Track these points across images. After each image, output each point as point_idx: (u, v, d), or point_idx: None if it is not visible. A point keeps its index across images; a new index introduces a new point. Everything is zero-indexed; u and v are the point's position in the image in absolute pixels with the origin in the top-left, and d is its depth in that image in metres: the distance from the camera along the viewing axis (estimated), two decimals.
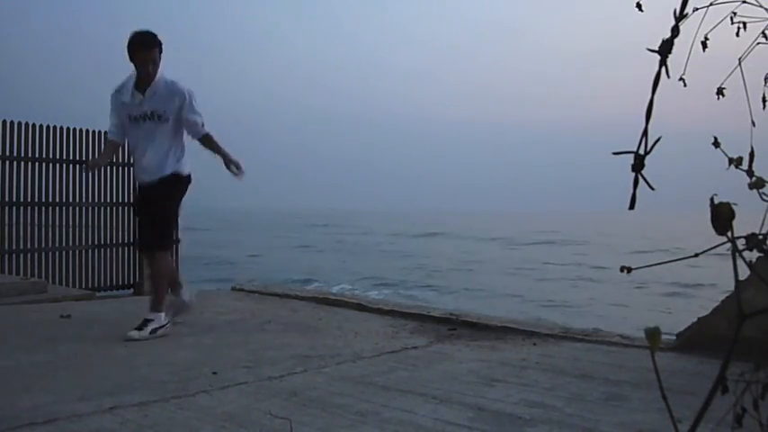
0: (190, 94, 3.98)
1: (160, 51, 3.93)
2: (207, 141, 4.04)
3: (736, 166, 0.90)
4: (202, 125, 4.01)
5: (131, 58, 3.89)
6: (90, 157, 8.10)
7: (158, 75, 3.93)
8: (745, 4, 1.19)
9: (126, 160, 8.47)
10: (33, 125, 7.63)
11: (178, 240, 8.99)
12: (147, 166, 4.01)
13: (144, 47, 3.87)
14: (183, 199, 4.16)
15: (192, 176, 4.17)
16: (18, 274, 7.24)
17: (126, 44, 3.90)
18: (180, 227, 9.13)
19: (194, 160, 4.18)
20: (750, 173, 0.88)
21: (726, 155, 0.92)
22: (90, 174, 4.46)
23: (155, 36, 3.91)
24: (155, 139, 3.95)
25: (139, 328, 3.78)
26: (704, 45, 1.26)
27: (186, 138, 4.08)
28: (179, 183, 4.06)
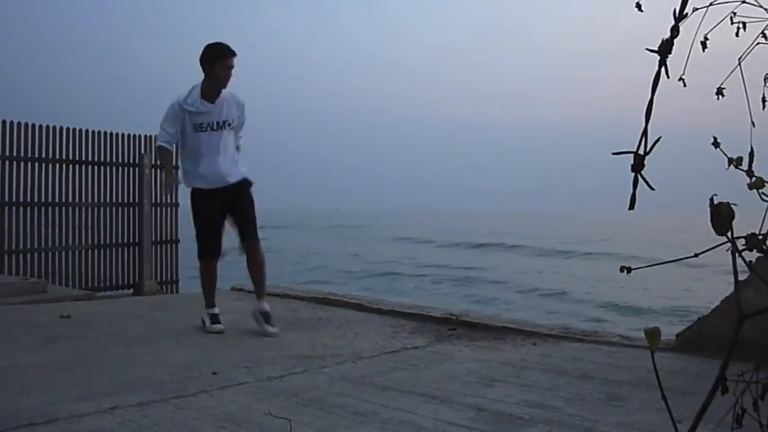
0: (244, 105, 4.27)
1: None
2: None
3: (736, 166, 0.90)
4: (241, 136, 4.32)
5: (214, 64, 4.05)
6: (89, 158, 8.12)
7: None
8: (745, 4, 1.19)
9: (127, 160, 8.48)
10: (33, 125, 7.63)
11: (178, 240, 9.01)
12: (217, 173, 4.10)
13: (232, 53, 4.09)
14: None
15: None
16: (18, 274, 7.24)
17: (210, 50, 4.08)
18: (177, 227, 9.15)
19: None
20: (750, 173, 0.88)
21: (726, 155, 0.92)
22: (170, 194, 4.48)
23: None
24: (227, 146, 4.14)
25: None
26: (704, 45, 1.26)
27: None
28: (251, 186, 4.28)
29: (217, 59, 4.06)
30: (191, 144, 4.10)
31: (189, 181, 4.15)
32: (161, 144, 4.14)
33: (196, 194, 4.15)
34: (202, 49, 4.11)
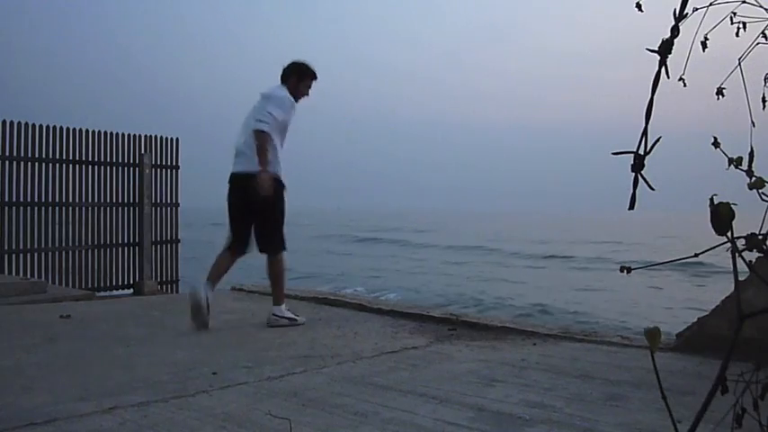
0: None
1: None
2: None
3: (736, 167, 0.90)
4: None
5: (309, 82, 4.41)
6: (89, 158, 8.13)
7: None
8: (745, 4, 1.19)
9: (127, 160, 8.49)
10: (33, 125, 7.63)
11: (178, 240, 9.01)
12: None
13: (316, 78, 4.42)
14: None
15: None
16: (18, 274, 7.25)
17: (303, 67, 4.39)
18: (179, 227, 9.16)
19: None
20: (750, 173, 0.88)
21: (726, 155, 0.92)
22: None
23: None
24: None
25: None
26: (704, 45, 1.26)
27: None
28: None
29: (306, 78, 4.37)
30: (278, 140, 4.28)
31: (278, 171, 4.26)
32: (268, 130, 4.13)
33: (282, 187, 4.31)
34: (294, 61, 4.38)
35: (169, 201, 8.90)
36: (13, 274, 7.20)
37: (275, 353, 3.40)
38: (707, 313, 3.35)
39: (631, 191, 0.68)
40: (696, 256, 0.81)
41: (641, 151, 0.66)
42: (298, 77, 4.34)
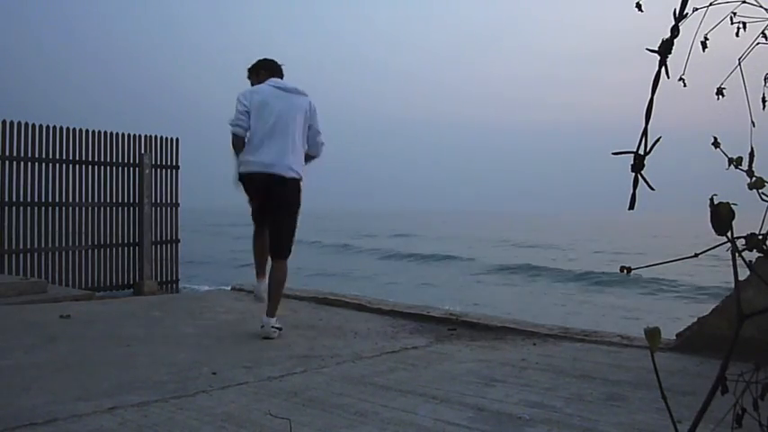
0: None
1: (249, 75, 4.30)
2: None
3: (736, 167, 0.90)
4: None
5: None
6: (89, 158, 8.14)
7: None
8: (745, 4, 1.19)
9: (127, 160, 8.50)
10: (33, 125, 7.64)
11: (178, 240, 9.01)
12: None
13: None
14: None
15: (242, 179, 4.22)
16: (18, 274, 7.25)
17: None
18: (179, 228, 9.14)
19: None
20: (750, 173, 0.88)
21: (726, 155, 0.92)
22: None
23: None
24: None
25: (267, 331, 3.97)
26: (704, 45, 1.26)
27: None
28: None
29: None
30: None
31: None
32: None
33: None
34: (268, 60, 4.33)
35: (169, 201, 8.90)
36: (13, 274, 7.20)
37: (275, 353, 3.40)
38: (707, 313, 3.35)
39: (631, 191, 0.68)
40: (696, 255, 0.81)
41: (641, 151, 0.66)
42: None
